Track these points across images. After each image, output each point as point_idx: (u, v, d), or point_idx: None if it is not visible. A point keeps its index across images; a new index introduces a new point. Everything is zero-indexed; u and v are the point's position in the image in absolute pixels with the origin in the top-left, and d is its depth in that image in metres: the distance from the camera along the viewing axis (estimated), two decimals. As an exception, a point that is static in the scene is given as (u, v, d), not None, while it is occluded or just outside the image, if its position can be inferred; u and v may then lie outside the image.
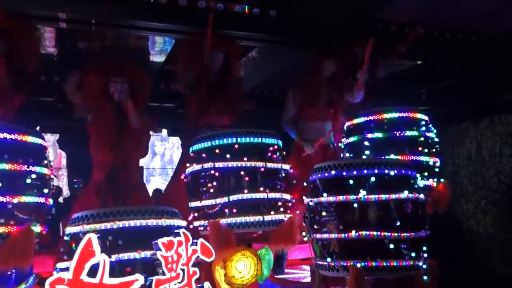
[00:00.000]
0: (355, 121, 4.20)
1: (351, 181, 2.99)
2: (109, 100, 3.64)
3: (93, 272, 2.50)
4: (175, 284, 2.63)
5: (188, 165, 3.58)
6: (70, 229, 2.76)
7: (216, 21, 4.06)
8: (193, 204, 3.50)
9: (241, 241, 3.40)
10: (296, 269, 4.23)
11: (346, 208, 2.98)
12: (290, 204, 3.56)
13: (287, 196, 3.52)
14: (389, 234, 2.91)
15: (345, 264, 2.97)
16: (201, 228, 3.39)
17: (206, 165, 3.38)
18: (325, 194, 3.07)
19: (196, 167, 3.46)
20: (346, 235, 2.95)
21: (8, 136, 3.00)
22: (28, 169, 3.02)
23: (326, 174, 3.11)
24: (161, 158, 12.93)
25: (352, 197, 2.96)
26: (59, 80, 5.35)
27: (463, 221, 6.22)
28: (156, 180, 12.14)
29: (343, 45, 4.72)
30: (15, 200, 2.91)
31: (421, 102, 6.36)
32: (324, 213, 3.07)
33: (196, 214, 3.46)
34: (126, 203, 3.43)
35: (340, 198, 3.00)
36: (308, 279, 3.91)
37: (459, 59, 5.50)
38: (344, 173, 3.03)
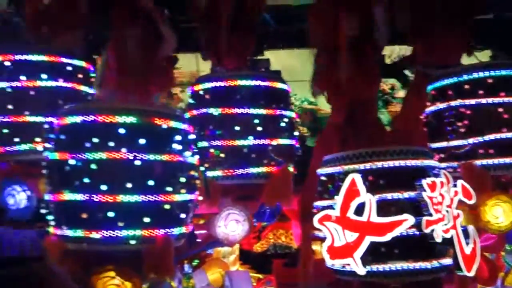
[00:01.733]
0: None
1: None
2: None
3: (357, 211, 2.57)
4: (442, 226, 2.56)
5: (428, 103, 3.39)
6: (324, 170, 2.86)
7: None
8: (436, 144, 3.32)
9: (496, 184, 3.14)
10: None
11: None
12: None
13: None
14: None
15: None
16: (450, 170, 3.20)
17: (453, 103, 3.16)
18: None
19: (440, 105, 3.25)
20: None
21: (261, 83, 3.21)
22: (280, 113, 3.22)
23: None
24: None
25: None
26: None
27: None
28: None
29: None
30: (274, 143, 3.14)
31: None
32: None
33: (442, 155, 3.28)
34: (367, 144, 3.39)
35: None
36: None
37: None
38: None
